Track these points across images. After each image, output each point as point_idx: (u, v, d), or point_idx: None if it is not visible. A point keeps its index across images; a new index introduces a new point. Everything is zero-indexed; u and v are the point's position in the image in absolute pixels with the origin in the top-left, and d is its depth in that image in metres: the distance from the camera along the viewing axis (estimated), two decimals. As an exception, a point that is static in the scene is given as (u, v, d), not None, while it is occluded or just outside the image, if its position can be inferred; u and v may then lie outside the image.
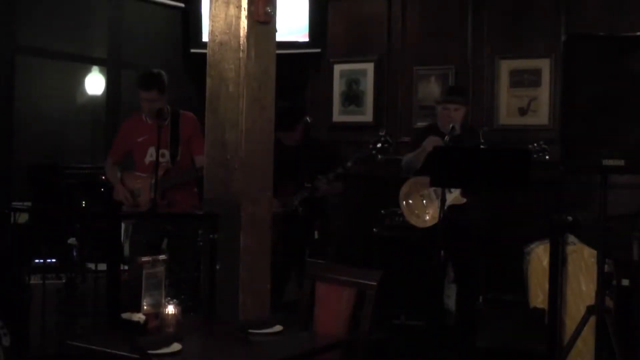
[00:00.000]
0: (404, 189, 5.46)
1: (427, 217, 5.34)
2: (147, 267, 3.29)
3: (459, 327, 5.49)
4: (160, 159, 5.01)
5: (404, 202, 5.45)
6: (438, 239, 4.78)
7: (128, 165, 5.34)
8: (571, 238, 5.15)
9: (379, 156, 5.35)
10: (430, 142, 5.27)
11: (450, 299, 5.75)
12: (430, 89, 6.76)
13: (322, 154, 5.64)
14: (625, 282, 4.88)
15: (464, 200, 5.30)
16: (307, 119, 5.82)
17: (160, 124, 4.88)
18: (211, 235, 3.85)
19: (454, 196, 5.23)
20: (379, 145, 5.29)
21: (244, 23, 3.84)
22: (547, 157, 5.13)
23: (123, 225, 5.25)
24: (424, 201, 5.39)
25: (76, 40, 6.61)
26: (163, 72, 5.19)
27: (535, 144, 5.18)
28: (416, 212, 5.41)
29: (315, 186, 5.39)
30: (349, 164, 5.39)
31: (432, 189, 5.30)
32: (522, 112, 6.41)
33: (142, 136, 5.17)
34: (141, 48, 6.86)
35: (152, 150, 5.13)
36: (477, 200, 5.40)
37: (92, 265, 4.39)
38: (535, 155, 5.05)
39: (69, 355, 3.27)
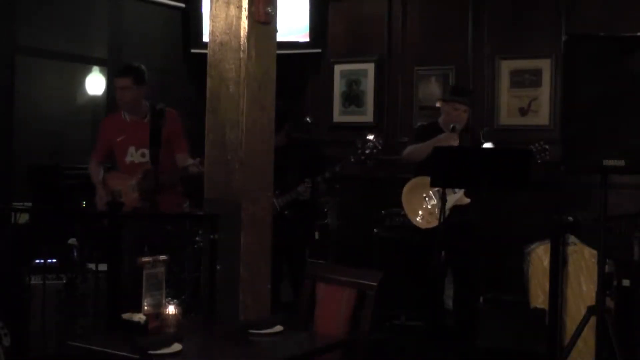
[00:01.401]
0: (407, 189, 5.45)
1: (430, 218, 5.33)
2: (148, 268, 3.29)
3: (460, 328, 5.48)
4: (141, 159, 4.94)
5: (407, 203, 5.44)
6: (440, 240, 4.77)
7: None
8: (572, 238, 5.14)
9: (368, 162, 5.30)
10: (448, 139, 5.28)
11: (451, 299, 5.75)
12: (431, 89, 6.76)
13: (306, 154, 5.61)
14: (626, 282, 4.88)
15: (468, 200, 5.29)
16: (308, 119, 5.81)
17: (144, 122, 4.80)
18: (211, 236, 3.84)
19: (457, 196, 5.22)
20: (367, 151, 5.25)
21: (244, 23, 3.84)
22: (548, 157, 5.13)
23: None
24: (427, 201, 5.38)
25: (76, 41, 6.61)
26: (143, 67, 5.10)
27: (537, 144, 5.16)
28: (419, 212, 5.40)
29: (297, 191, 5.37)
30: (337, 169, 5.36)
31: (435, 190, 5.29)
32: (523, 112, 6.42)
33: (121, 135, 5.05)
34: (141, 48, 6.86)
35: (132, 150, 5.04)
36: (480, 201, 5.39)
37: (92, 266, 4.39)
38: (537, 157, 5.06)
39: (69, 356, 3.27)
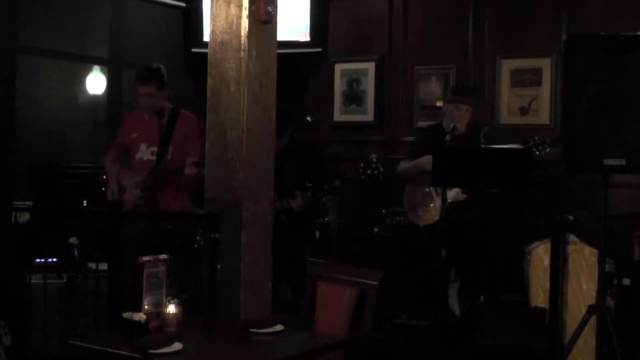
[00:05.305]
0: (407, 187, 5.49)
1: (427, 215, 5.36)
2: (148, 267, 3.29)
3: (460, 327, 5.49)
4: (150, 157, 4.95)
5: (406, 200, 5.48)
6: (439, 237, 4.78)
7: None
8: (572, 237, 5.15)
9: (368, 181, 5.29)
10: (426, 163, 5.15)
11: (452, 298, 5.75)
12: (432, 88, 6.76)
13: (306, 159, 5.60)
14: (626, 281, 4.89)
15: (464, 197, 5.29)
16: (309, 118, 5.79)
17: (160, 122, 4.83)
18: (212, 235, 3.85)
19: (454, 193, 5.22)
20: (369, 171, 5.23)
21: (245, 22, 3.85)
22: (548, 149, 5.11)
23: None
24: (424, 199, 5.40)
25: (77, 40, 6.61)
26: (162, 67, 5.06)
27: (536, 138, 5.14)
28: (417, 210, 5.43)
29: (288, 202, 5.36)
30: (337, 183, 5.35)
31: (432, 187, 5.31)
32: (523, 111, 6.41)
33: (136, 132, 5.07)
34: (142, 47, 6.85)
35: (143, 147, 5.05)
36: (477, 198, 5.39)
37: (93, 265, 4.40)
38: (536, 150, 5.06)
39: (70, 355, 3.28)
